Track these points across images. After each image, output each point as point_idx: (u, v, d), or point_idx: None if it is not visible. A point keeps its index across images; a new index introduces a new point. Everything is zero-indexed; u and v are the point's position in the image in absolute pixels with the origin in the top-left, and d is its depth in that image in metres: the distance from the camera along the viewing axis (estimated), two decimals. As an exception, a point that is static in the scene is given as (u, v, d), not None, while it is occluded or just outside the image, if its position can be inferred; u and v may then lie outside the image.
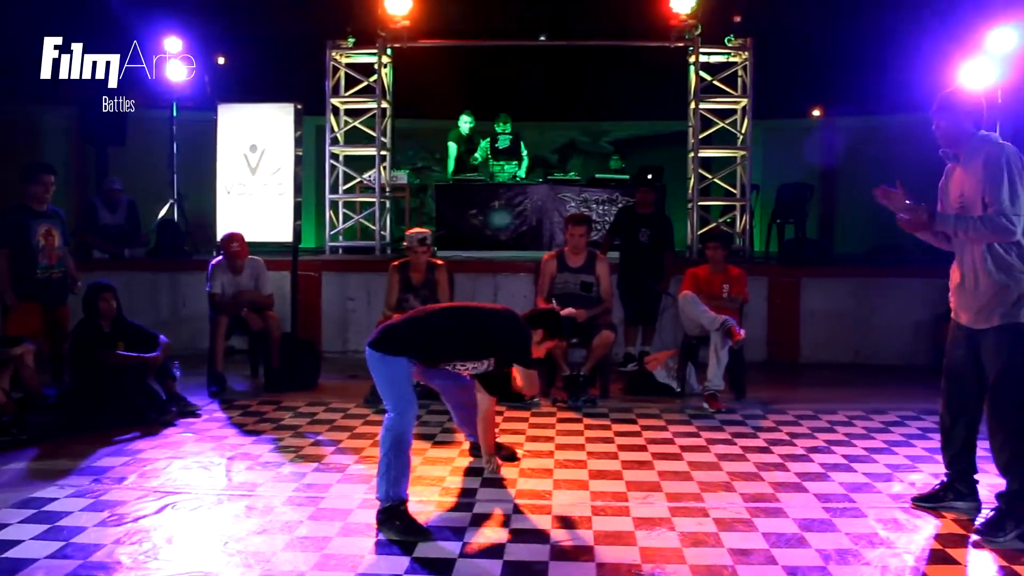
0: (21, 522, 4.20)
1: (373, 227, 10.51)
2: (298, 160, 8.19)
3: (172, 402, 6.38)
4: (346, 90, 10.72)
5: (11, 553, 3.82)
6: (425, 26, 10.53)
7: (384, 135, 10.71)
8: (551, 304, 6.37)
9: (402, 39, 10.44)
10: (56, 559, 3.77)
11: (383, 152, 10.67)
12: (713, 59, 10.42)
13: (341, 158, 10.76)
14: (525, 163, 11.31)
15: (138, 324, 6.61)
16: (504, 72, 13.92)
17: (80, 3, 10.30)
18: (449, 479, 4.94)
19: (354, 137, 10.95)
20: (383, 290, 7.28)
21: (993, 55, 8.85)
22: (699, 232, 10.05)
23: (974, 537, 4.05)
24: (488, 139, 11.22)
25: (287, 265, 8.20)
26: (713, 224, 10.32)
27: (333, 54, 10.55)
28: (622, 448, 5.56)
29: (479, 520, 4.28)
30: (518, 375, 4.75)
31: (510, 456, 5.21)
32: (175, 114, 10.69)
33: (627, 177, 11.12)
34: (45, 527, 4.13)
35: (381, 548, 3.94)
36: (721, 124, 10.40)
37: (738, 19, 11.53)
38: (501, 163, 11.14)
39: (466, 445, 5.42)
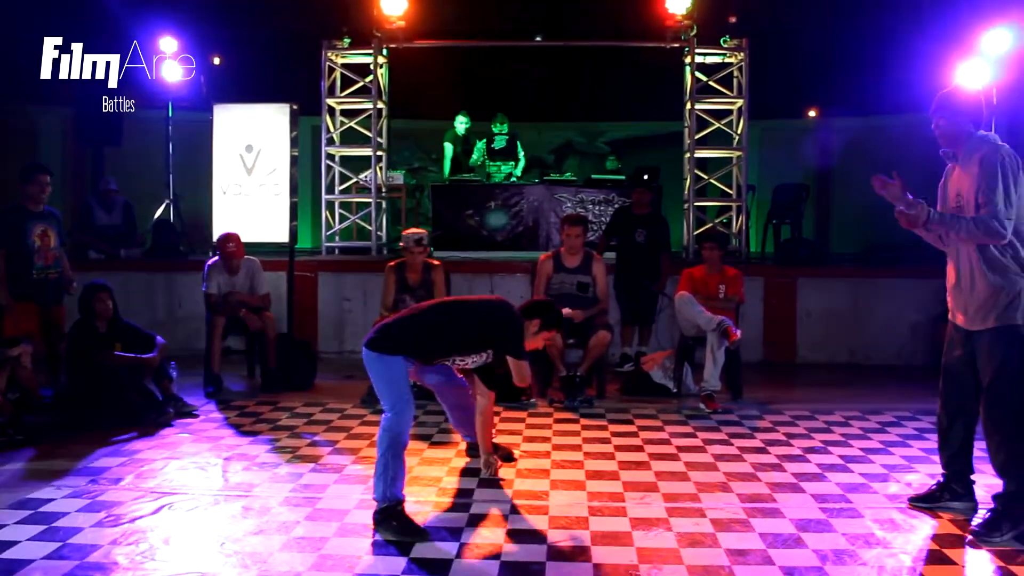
0: (18, 523, 4.19)
1: (369, 227, 10.51)
2: (294, 160, 8.17)
3: (169, 403, 6.37)
4: (342, 90, 10.73)
5: (8, 554, 3.82)
6: (421, 26, 10.53)
7: (380, 135, 10.71)
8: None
9: (398, 39, 10.45)
10: (53, 559, 3.76)
11: (379, 152, 10.67)
12: (709, 60, 10.43)
13: (337, 158, 10.76)
14: (522, 163, 11.31)
15: (135, 325, 6.60)
16: (500, 73, 13.93)
17: (80, 3, 10.28)
18: (446, 479, 4.94)
19: (350, 137, 10.95)
20: (379, 291, 7.28)
21: (988, 56, 8.87)
22: (695, 233, 10.07)
23: (970, 537, 4.06)
24: (484, 140, 11.22)
25: (283, 266, 8.19)
26: (709, 225, 10.33)
27: (329, 54, 10.55)
28: (619, 449, 5.57)
29: (476, 521, 4.28)
30: (510, 366, 4.73)
31: (507, 457, 5.21)
32: (171, 114, 10.69)
33: (623, 178, 11.12)
34: (42, 528, 4.13)
35: (378, 548, 3.93)
36: (717, 125, 10.42)
37: (733, 20, 11.54)
38: (498, 163, 11.14)
39: (463, 446, 5.42)
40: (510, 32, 12.70)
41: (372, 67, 10.52)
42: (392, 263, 7.10)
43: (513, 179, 11.11)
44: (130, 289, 8.68)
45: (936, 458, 4.60)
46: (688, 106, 10.32)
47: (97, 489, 4.72)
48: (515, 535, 4.10)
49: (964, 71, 8.79)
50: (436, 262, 7.15)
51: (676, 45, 10.34)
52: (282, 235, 8.11)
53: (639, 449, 5.56)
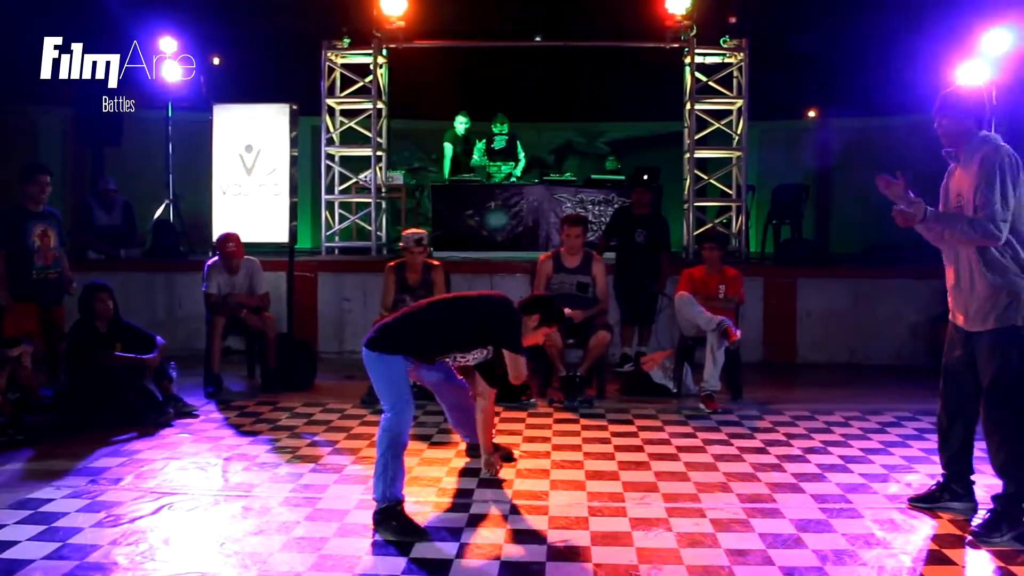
0: (18, 523, 4.19)
1: (369, 228, 10.52)
2: (294, 161, 8.18)
3: (169, 403, 6.37)
4: (342, 91, 10.73)
5: (8, 554, 3.82)
6: (421, 27, 10.53)
7: (380, 136, 10.71)
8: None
9: (398, 40, 10.45)
10: (53, 560, 3.76)
11: (379, 153, 10.67)
12: (709, 60, 10.44)
13: (337, 159, 10.76)
14: (522, 164, 11.30)
15: (135, 325, 6.60)
16: (500, 73, 13.92)
17: (80, 3, 10.28)
18: (446, 480, 4.94)
19: (350, 138, 10.95)
20: (379, 291, 7.28)
21: (987, 56, 8.88)
22: (695, 233, 10.08)
23: (970, 538, 4.06)
24: (484, 140, 11.22)
25: (283, 266, 8.19)
26: (709, 225, 10.34)
27: (329, 55, 10.55)
28: (619, 449, 5.57)
29: (476, 521, 4.28)
30: (506, 361, 4.71)
31: (507, 457, 5.21)
32: (171, 114, 10.69)
33: (623, 178, 11.12)
34: (42, 528, 4.13)
35: (378, 549, 3.94)
36: (717, 125, 10.42)
37: (733, 20, 11.52)
38: (498, 164, 11.14)
39: (463, 446, 5.42)
40: (510, 32, 12.69)
41: (372, 67, 10.53)
42: (392, 263, 7.10)
43: (513, 179, 11.10)
44: (130, 289, 8.68)
45: (936, 458, 4.61)
46: (688, 106, 10.33)
47: (97, 489, 4.72)
48: (515, 535, 4.10)
49: (964, 71, 8.80)
50: (436, 262, 7.16)
51: (676, 45, 10.34)
52: (282, 235, 8.12)
53: (639, 449, 5.57)
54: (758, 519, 4.29)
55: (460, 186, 11.00)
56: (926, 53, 9.46)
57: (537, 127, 14.45)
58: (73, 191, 12.08)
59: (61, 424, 5.96)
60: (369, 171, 10.57)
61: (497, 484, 4.83)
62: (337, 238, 10.71)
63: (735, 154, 10.29)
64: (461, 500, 4.60)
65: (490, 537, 4.08)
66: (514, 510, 4.44)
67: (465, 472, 5.07)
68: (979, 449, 4.34)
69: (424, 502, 4.54)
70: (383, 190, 10.77)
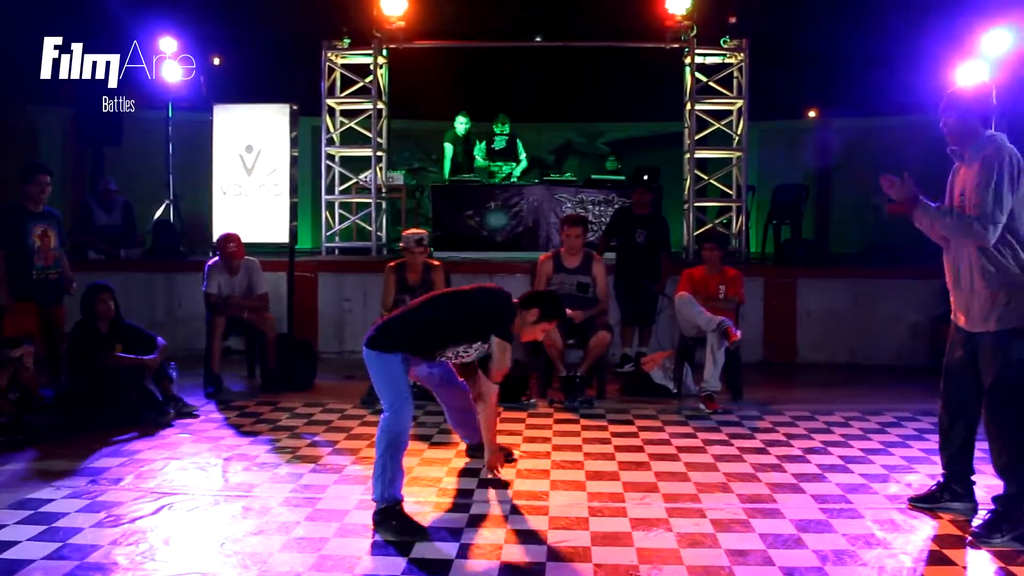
0: (18, 523, 4.19)
1: (369, 228, 10.51)
2: (294, 161, 8.18)
3: (169, 403, 6.36)
4: (342, 91, 10.73)
5: (8, 554, 3.82)
6: (421, 27, 10.53)
7: (380, 136, 10.71)
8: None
9: (398, 40, 10.44)
10: (53, 560, 3.76)
11: (379, 153, 10.67)
12: (709, 60, 10.44)
13: (337, 159, 10.76)
14: (523, 164, 11.30)
15: (136, 326, 6.60)
16: (500, 73, 13.93)
17: (80, 3, 10.28)
18: (446, 480, 4.94)
19: (350, 138, 10.95)
20: (379, 291, 7.28)
21: (987, 57, 8.88)
22: (695, 233, 10.08)
23: (970, 538, 4.06)
24: (484, 141, 11.22)
25: (283, 266, 8.19)
26: (709, 225, 10.34)
27: (329, 55, 10.55)
28: (619, 449, 5.57)
29: (476, 521, 4.28)
30: (494, 349, 4.64)
31: (507, 457, 5.20)
32: (171, 115, 10.69)
33: (623, 178, 11.12)
34: (42, 528, 4.13)
35: (378, 549, 3.94)
36: (717, 125, 10.42)
37: (733, 20, 11.52)
38: (499, 164, 11.14)
39: (463, 446, 5.42)
40: (510, 32, 12.70)
41: (372, 67, 10.52)
42: (392, 263, 7.10)
43: (513, 180, 11.11)
44: (130, 289, 8.68)
45: (936, 459, 4.61)
46: (688, 106, 10.33)
47: (97, 489, 4.72)
48: (515, 536, 4.10)
49: (964, 71, 8.79)
50: (436, 262, 7.16)
51: (676, 45, 10.34)
52: (282, 235, 8.12)
53: (639, 450, 5.57)
54: (758, 519, 4.29)
55: (460, 186, 11.00)
56: (926, 53, 9.47)
57: (537, 127, 14.46)
58: (73, 191, 12.08)
59: (62, 424, 5.97)
60: (369, 171, 10.57)
61: (497, 484, 4.82)
62: (337, 238, 10.71)
63: (735, 154, 10.29)
64: (461, 500, 4.60)
65: (490, 537, 4.08)
66: (514, 510, 4.44)
67: (465, 472, 5.07)
68: (979, 449, 4.34)
69: (424, 502, 4.54)
70: (383, 190, 10.77)
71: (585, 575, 3.68)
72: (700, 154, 10.47)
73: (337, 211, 10.75)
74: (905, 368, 8.48)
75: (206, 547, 3.95)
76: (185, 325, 8.83)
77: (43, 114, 12.33)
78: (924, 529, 4.20)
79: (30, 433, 5.69)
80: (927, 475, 4.95)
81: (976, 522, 4.19)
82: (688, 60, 10.30)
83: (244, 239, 7.50)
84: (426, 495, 4.66)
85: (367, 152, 10.61)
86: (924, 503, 4.45)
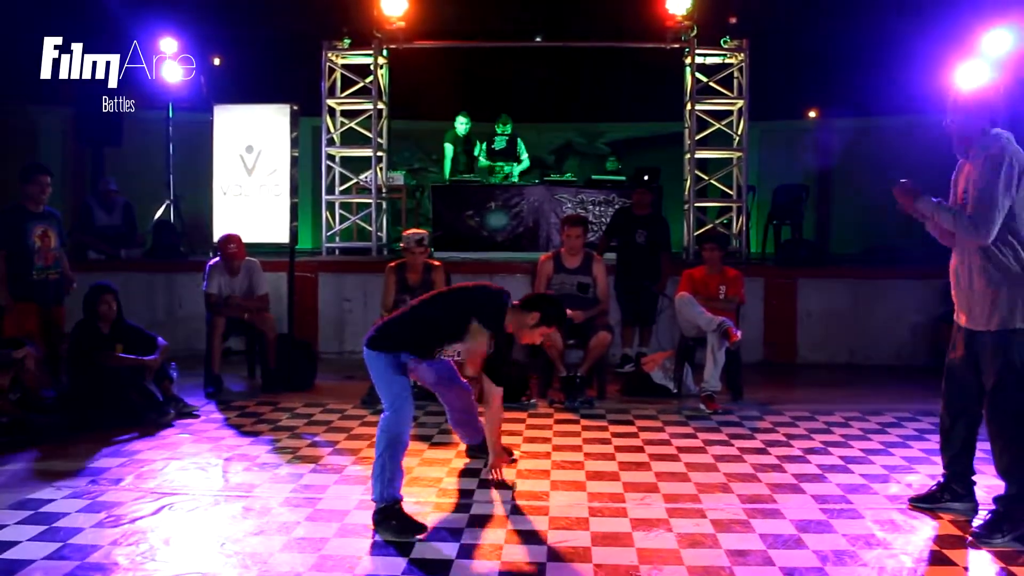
0: (18, 523, 4.19)
1: (369, 228, 10.51)
2: (294, 161, 8.18)
3: (169, 403, 6.36)
4: (342, 91, 10.73)
5: (8, 554, 3.82)
6: (421, 27, 10.53)
7: (380, 136, 10.70)
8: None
9: (398, 40, 10.44)
10: (53, 560, 3.76)
11: (379, 153, 10.67)
12: (709, 60, 10.43)
13: (337, 159, 10.76)
14: (524, 165, 11.30)
15: (137, 326, 6.60)
16: (500, 73, 13.92)
17: (80, 3, 10.28)
18: (446, 480, 4.94)
19: (350, 138, 10.95)
20: (379, 291, 7.28)
21: (988, 57, 8.87)
22: (695, 233, 10.08)
23: (971, 538, 4.06)
24: (484, 141, 11.22)
25: (284, 266, 8.19)
26: (709, 225, 10.34)
27: (329, 55, 10.55)
28: (619, 449, 5.57)
29: (476, 521, 4.28)
30: (469, 334, 4.49)
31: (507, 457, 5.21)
32: (171, 115, 10.69)
33: (624, 178, 11.11)
34: (42, 528, 4.13)
35: (378, 549, 3.94)
36: (717, 125, 10.42)
37: (734, 20, 11.53)
38: (500, 164, 11.14)
39: (463, 446, 5.42)
40: (510, 33, 12.70)
41: (372, 68, 10.52)
42: (392, 264, 7.10)
43: (513, 180, 11.10)
44: (130, 290, 8.64)
45: (936, 459, 4.61)
46: (688, 107, 10.33)
47: (98, 490, 4.72)
48: (515, 536, 4.10)
49: (964, 72, 8.79)
50: (437, 263, 7.16)
51: (676, 46, 10.34)
52: (282, 236, 8.12)
53: (639, 450, 5.56)
54: (759, 520, 4.29)
55: (460, 186, 11.01)
56: (926, 53, 9.46)
57: (537, 127, 14.45)
58: (73, 191, 12.08)
59: (62, 424, 5.97)
60: (369, 171, 10.57)
61: (500, 485, 4.82)
62: (338, 238, 10.71)
63: (736, 155, 10.29)
64: (461, 501, 4.60)
65: (490, 538, 4.08)
66: (514, 511, 4.44)
67: (465, 473, 5.07)
68: (980, 450, 4.35)
69: (424, 503, 4.54)
70: (383, 190, 10.77)
71: (585, 575, 3.68)
72: (700, 154, 10.47)
73: (337, 211, 10.74)
74: (905, 368, 8.48)
75: (206, 547, 3.95)
76: (185, 325, 8.82)
77: (43, 114, 12.32)
78: (924, 529, 4.20)
79: (31, 433, 5.69)
80: (927, 475, 4.95)
81: (977, 522, 4.19)
82: (688, 60, 10.30)
83: (244, 239, 7.50)
84: (426, 495, 4.66)
85: (367, 152, 10.60)
86: (924, 503, 4.45)
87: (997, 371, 4.06)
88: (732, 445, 5.70)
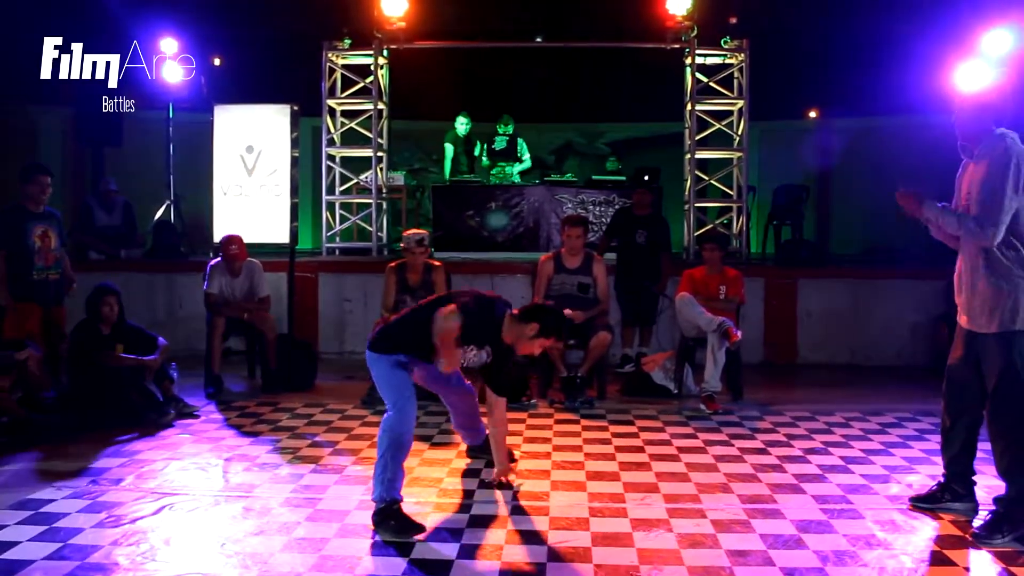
0: (19, 523, 4.19)
1: (370, 228, 10.51)
2: (294, 161, 8.19)
3: (170, 403, 6.36)
4: (342, 91, 10.72)
5: (8, 554, 3.82)
6: (421, 27, 10.53)
7: (381, 136, 10.70)
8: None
9: (398, 40, 10.44)
10: (54, 560, 3.76)
11: (380, 153, 10.66)
12: (709, 60, 10.43)
13: (338, 159, 10.76)
14: (525, 165, 11.30)
15: (137, 326, 6.60)
16: (501, 73, 13.92)
17: (80, 3, 10.28)
18: (447, 480, 4.94)
19: (350, 138, 10.95)
20: (380, 291, 7.27)
21: (988, 57, 8.87)
22: (696, 234, 10.08)
23: (971, 539, 4.06)
24: (484, 142, 11.22)
25: (284, 266, 8.19)
26: (710, 226, 10.34)
27: (329, 55, 10.55)
28: (619, 449, 5.57)
29: (477, 522, 4.28)
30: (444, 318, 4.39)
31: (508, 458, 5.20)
32: (171, 115, 10.69)
33: (624, 179, 11.12)
34: (43, 528, 4.13)
35: (378, 549, 3.93)
36: (718, 125, 10.42)
37: (734, 21, 11.54)
38: (501, 165, 11.14)
39: (463, 446, 5.42)
40: (511, 33, 12.70)
41: (373, 68, 10.52)
42: (393, 264, 7.10)
43: (513, 180, 11.11)
44: (130, 290, 8.63)
45: (936, 459, 4.61)
46: (688, 107, 10.33)
47: (98, 490, 4.72)
48: (516, 536, 4.10)
49: (964, 72, 8.79)
50: (437, 263, 7.15)
51: (676, 46, 10.34)
52: (283, 236, 8.14)
53: (640, 450, 5.56)
54: (759, 520, 4.29)
55: (461, 187, 11.01)
56: (926, 53, 9.46)
57: (537, 128, 14.44)
58: (73, 191, 12.08)
59: (63, 425, 5.97)
60: (370, 172, 10.57)
61: (500, 485, 4.81)
62: (338, 239, 10.71)
63: (736, 155, 10.29)
64: (462, 501, 4.60)
65: (491, 538, 4.08)
66: (515, 511, 4.44)
67: (466, 473, 5.07)
68: (981, 450, 4.35)
69: (425, 503, 4.54)
70: (384, 191, 10.77)
71: (585, 575, 3.67)
72: (701, 154, 10.47)
73: (338, 211, 10.74)
74: (905, 368, 8.48)
75: (207, 547, 3.95)
76: (185, 325, 8.82)
77: (43, 114, 12.32)
78: (925, 530, 4.20)
79: (31, 433, 5.69)
80: (928, 475, 4.95)
81: (977, 523, 4.19)
82: (689, 60, 10.30)
83: (245, 239, 7.50)
84: (427, 496, 4.66)
85: (368, 152, 10.60)
86: (925, 503, 4.45)
87: (998, 373, 4.06)
88: (732, 445, 5.70)
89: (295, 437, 5.88)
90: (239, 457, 5.39)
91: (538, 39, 12.41)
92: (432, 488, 4.79)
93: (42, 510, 4.37)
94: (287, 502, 4.55)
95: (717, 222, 10.46)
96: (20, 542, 3.95)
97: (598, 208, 10.64)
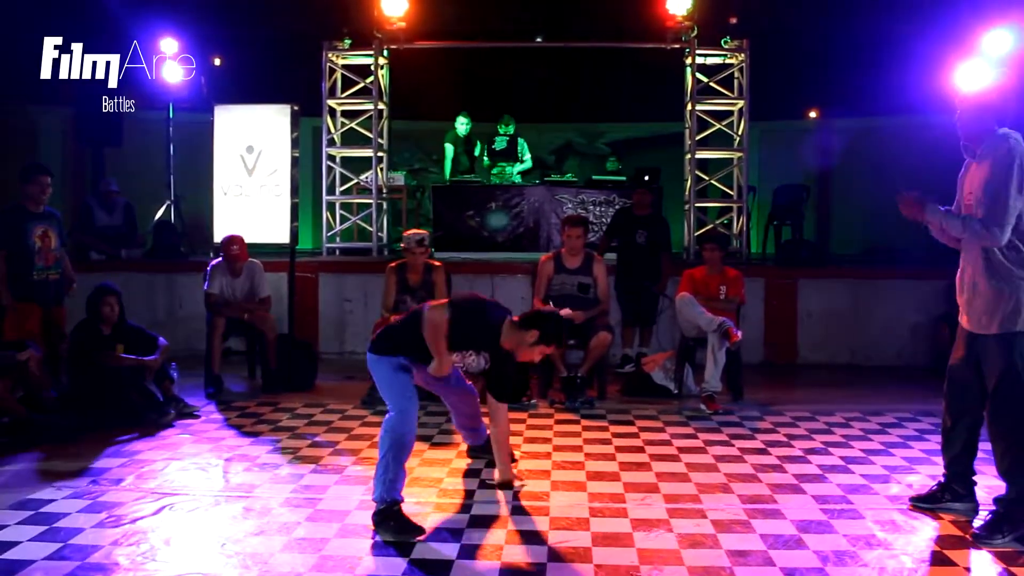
0: (19, 523, 4.19)
1: (370, 228, 10.51)
2: (295, 161, 8.19)
3: (170, 404, 6.36)
4: (343, 91, 10.72)
5: (9, 554, 3.82)
6: (422, 27, 10.52)
7: (381, 136, 10.70)
8: (548, 306, 6.34)
9: (399, 40, 10.44)
10: (54, 560, 3.76)
11: (380, 153, 10.66)
12: (709, 61, 10.43)
13: (338, 159, 10.76)
14: (526, 165, 11.30)
15: (138, 326, 6.61)
16: (501, 73, 13.92)
17: (80, 3, 10.28)
18: (447, 480, 4.94)
19: (351, 138, 10.94)
20: (380, 291, 7.28)
21: (989, 57, 8.87)
22: (696, 234, 10.08)
23: (971, 539, 4.06)
24: (485, 142, 11.22)
25: (284, 266, 8.19)
26: (710, 226, 10.34)
27: (330, 55, 10.55)
28: (620, 450, 5.57)
29: (477, 522, 4.28)
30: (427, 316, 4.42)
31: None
32: (171, 115, 10.69)
33: (624, 179, 11.11)
34: (43, 528, 4.13)
35: (378, 550, 3.94)
36: (718, 126, 10.42)
37: (734, 21, 11.53)
38: (502, 165, 11.14)
39: (464, 446, 5.42)
40: (511, 33, 12.70)
41: (373, 68, 10.52)
42: (393, 264, 7.10)
43: (513, 180, 11.10)
44: (131, 290, 8.63)
45: (937, 459, 4.61)
46: (689, 107, 10.33)
47: (98, 490, 4.72)
48: (516, 536, 4.10)
49: (964, 72, 8.79)
50: (437, 263, 7.15)
51: (677, 46, 10.34)
52: (283, 236, 8.13)
53: (640, 450, 5.56)
54: (759, 520, 4.29)
55: (461, 187, 11.01)
56: (926, 53, 9.46)
57: (538, 128, 14.43)
58: (73, 191, 12.07)
59: (63, 425, 5.96)
60: (370, 172, 10.56)
61: (501, 485, 4.80)
62: (338, 239, 10.70)
63: (736, 155, 10.29)
64: (462, 501, 4.60)
65: (491, 538, 4.08)
66: (515, 511, 4.44)
67: (466, 473, 5.08)
68: (981, 450, 4.35)
69: (425, 503, 4.54)
70: (384, 191, 10.77)
71: (586, 575, 3.68)
72: (701, 155, 10.46)
73: (338, 212, 10.74)
74: (906, 368, 8.49)
75: (207, 547, 3.95)
76: (186, 326, 8.82)
77: (43, 114, 12.32)
78: (925, 530, 4.20)
79: (31, 433, 5.68)
80: (928, 475, 4.95)
81: (977, 523, 4.19)
82: (689, 60, 10.30)
83: (245, 239, 7.50)
84: (427, 496, 4.66)
85: (368, 153, 10.60)
86: (925, 503, 4.45)
87: (999, 374, 4.06)
88: (733, 445, 5.70)
89: (295, 437, 5.88)
90: (239, 457, 5.40)
91: (538, 39, 12.41)
92: (432, 488, 4.79)
93: (42, 510, 4.37)
94: (287, 502, 4.55)
95: (717, 222, 10.46)
96: (20, 542, 3.96)
97: (598, 208, 10.64)
